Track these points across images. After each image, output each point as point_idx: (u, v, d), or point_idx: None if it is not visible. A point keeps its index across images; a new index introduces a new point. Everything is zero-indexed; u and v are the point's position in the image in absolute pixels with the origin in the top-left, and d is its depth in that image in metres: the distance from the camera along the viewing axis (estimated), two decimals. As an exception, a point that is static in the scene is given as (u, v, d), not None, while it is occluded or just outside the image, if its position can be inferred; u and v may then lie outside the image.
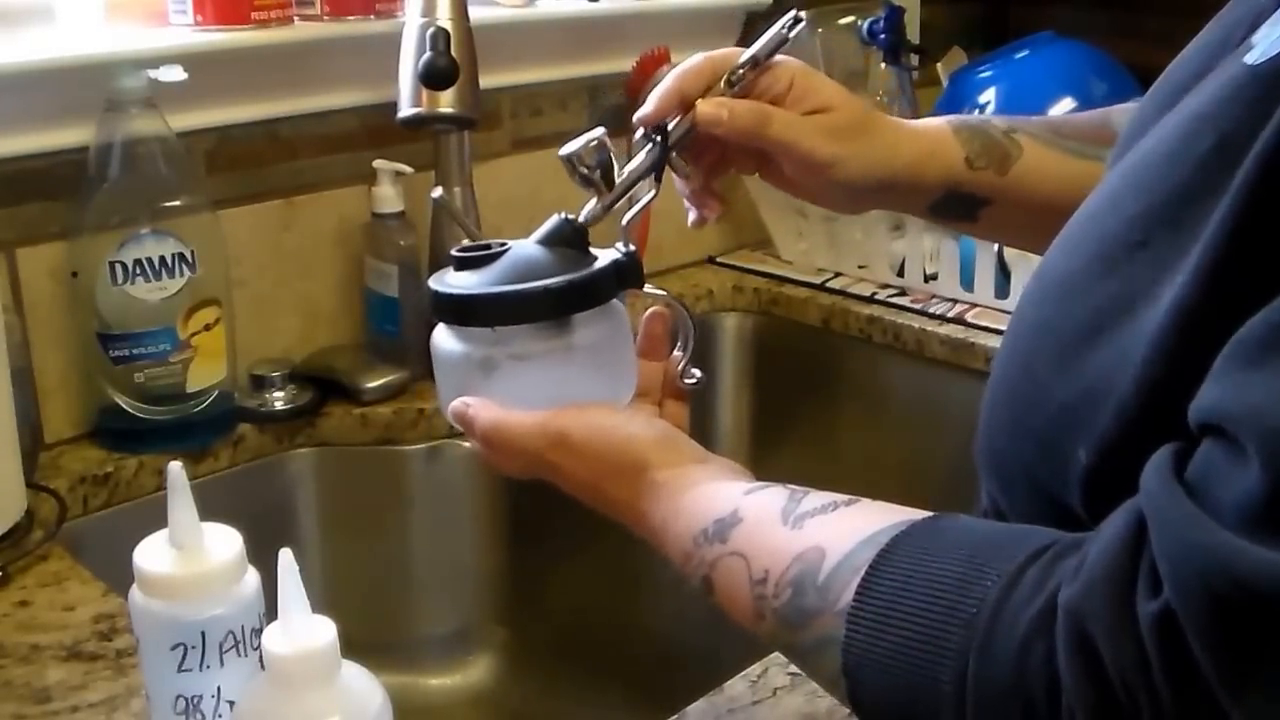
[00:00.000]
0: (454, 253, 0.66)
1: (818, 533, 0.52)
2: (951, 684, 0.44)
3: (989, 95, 1.42)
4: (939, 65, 1.57)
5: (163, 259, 0.97)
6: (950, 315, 1.29)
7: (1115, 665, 0.40)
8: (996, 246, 1.27)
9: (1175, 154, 0.48)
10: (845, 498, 0.55)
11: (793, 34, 0.68)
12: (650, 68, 1.31)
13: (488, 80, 1.10)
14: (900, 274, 1.37)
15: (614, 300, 0.66)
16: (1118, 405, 0.46)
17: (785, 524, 0.53)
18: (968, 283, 1.31)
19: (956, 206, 0.75)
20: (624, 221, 0.68)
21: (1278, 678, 0.38)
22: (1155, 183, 0.49)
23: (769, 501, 0.56)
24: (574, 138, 0.67)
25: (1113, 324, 0.48)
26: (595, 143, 0.67)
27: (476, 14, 1.09)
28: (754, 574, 0.53)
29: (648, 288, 0.67)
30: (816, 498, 0.55)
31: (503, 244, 0.66)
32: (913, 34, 1.54)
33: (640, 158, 0.68)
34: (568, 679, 1.12)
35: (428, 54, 1.04)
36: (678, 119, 0.69)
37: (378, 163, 1.13)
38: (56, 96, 0.97)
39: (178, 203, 0.98)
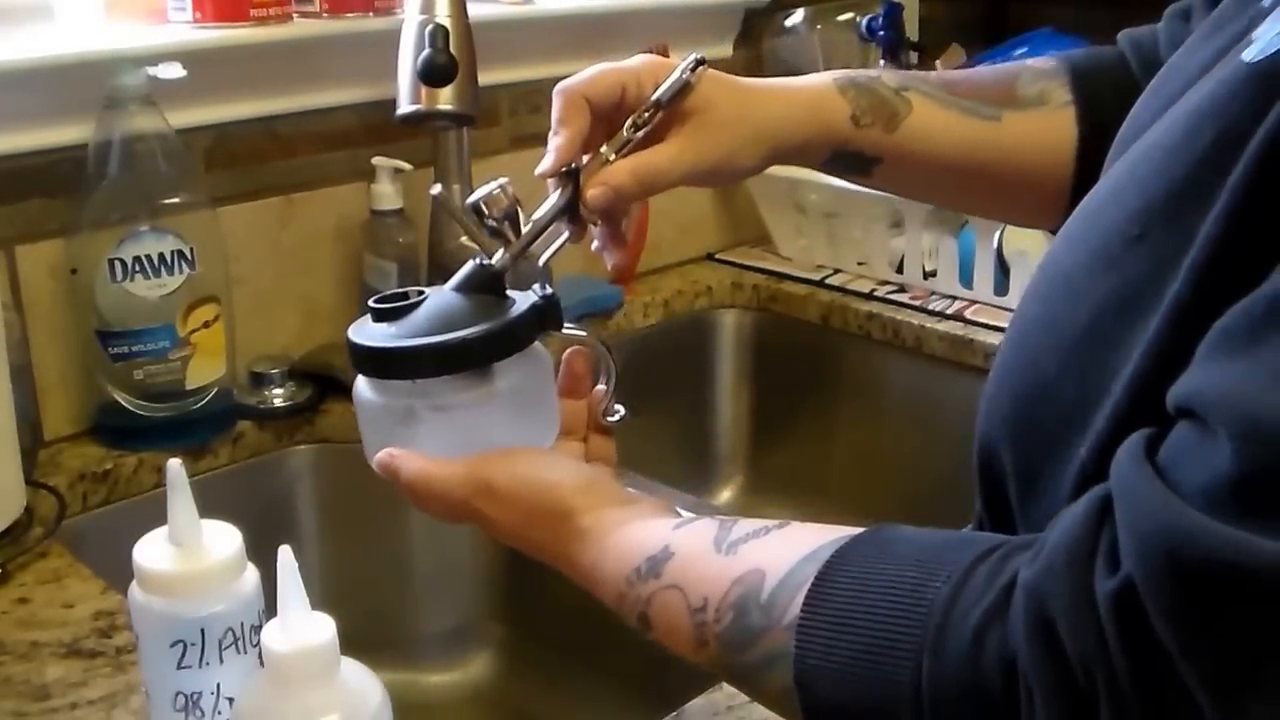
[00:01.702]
0: (371, 303, 0.65)
1: (754, 556, 0.52)
2: (908, 683, 0.44)
3: (988, 92, 1.42)
4: (938, 62, 1.56)
5: (162, 256, 0.97)
6: (949, 312, 1.29)
7: (1073, 644, 0.41)
8: (996, 244, 1.27)
9: (1175, 149, 0.48)
10: (775, 522, 0.55)
11: (694, 77, 0.67)
12: (649, 64, 1.31)
13: (486, 77, 1.10)
14: (899, 271, 1.37)
15: (534, 343, 0.65)
16: (1114, 404, 0.47)
17: (719, 552, 0.53)
18: (967, 280, 1.31)
19: (848, 164, 0.74)
20: (540, 263, 0.67)
21: (1238, 650, 0.38)
22: (1154, 178, 0.49)
23: (700, 532, 0.56)
24: (481, 185, 0.66)
25: (1114, 321, 0.48)
26: (499, 191, 0.65)
27: (475, 11, 1.09)
28: (692, 603, 0.53)
29: (567, 328, 0.66)
30: (747, 524, 0.55)
31: (420, 292, 0.65)
32: (912, 31, 1.54)
33: (548, 204, 0.67)
34: (566, 676, 1.12)
35: (427, 51, 1.04)
36: (585, 160, 0.67)
37: (377, 160, 1.13)
38: (55, 94, 0.97)
39: (177, 200, 0.98)
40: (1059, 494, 0.49)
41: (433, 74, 1.04)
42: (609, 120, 0.69)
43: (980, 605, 0.44)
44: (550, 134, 0.67)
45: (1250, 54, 0.46)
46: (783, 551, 0.51)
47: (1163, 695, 0.39)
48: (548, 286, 0.65)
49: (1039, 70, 0.76)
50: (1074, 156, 0.73)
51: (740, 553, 0.53)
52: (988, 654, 0.43)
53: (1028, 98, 0.75)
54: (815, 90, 0.73)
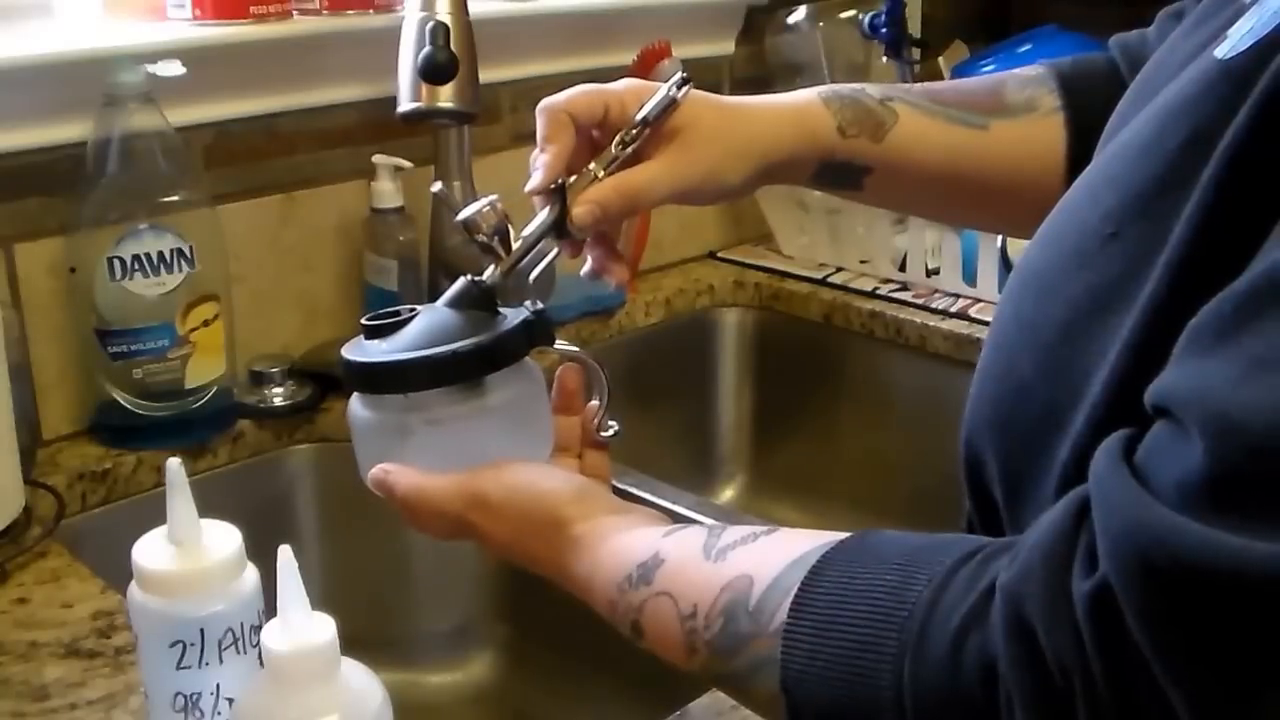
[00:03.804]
0: (363, 322, 0.66)
1: (743, 562, 0.52)
2: (890, 687, 0.45)
3: (991, 89, 1.41)
4: (940, 59, 1.56)
5: (161, 254, 0.96)
6: (953, 310, 1.29)
7: (1050, 646, 0.41)
8: (999, 241, 1.26)
9: (1148, 147, 0.48)
10: (764, 528, 0.55)
11: (681, 94, 0.68)
12: (651, 61, 1.31)
13: (487, 74, 1.10)
14: (902, 269, 1.36)
15: (526, 359, 0.66)
16: (1091, 404, 0.47)
17: (708, 558, 0.54)
18: (970, 277, 1.30)
19: (838, 176, 0.74)
20: (530, 279, 0.67)
21: (1212, 650, 0.38)
22: (1128, 175, 0.49)
23: (689, 540, 0.56)
24: (469, 203, 0.66)
25: (1088, 320, 0.48)
26: (489, 208, 0.66)
27: (476, 8, 1.09)
28: (683, 610, 0.53)
29: (559, 344, 0.67)
30: (736, 531, 0.55)
31: (411, 309, 0.66)
32: (914, 27, 1.54)
33: (537, 220, 0.67)
34: (569, 675, 1.12)
35: (427, 48, 1.04)
36: (573, 178, 0.68)
37: (377, 158, 1.13)
38: (55, 91, 0.96)
39: (176, 198, 0.98)
40: (1043, 495, 0.49)
41: (433, 71, 1.04)
42: (591, 140, 0.69)
43: (960, 609, 0.44)
44: (535, 151, 0.68)
45: (1222, 51, 0.46)
46: (770, 557, 0.51)
47: (1139, 697, 0.39)
48: (539, 302, 0.66)
49: (1026, 78, 0.76)
50: (1064, 163, 0.73)
51: (729, 559, 0.53)
52: (968, 657, 0.43)
53: (1015, 105, 0.75)
54: (799, 104, 0.73)
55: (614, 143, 0.68)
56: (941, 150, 0.74)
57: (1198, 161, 0.44)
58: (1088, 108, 0.73)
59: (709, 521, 0.89)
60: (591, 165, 0.68)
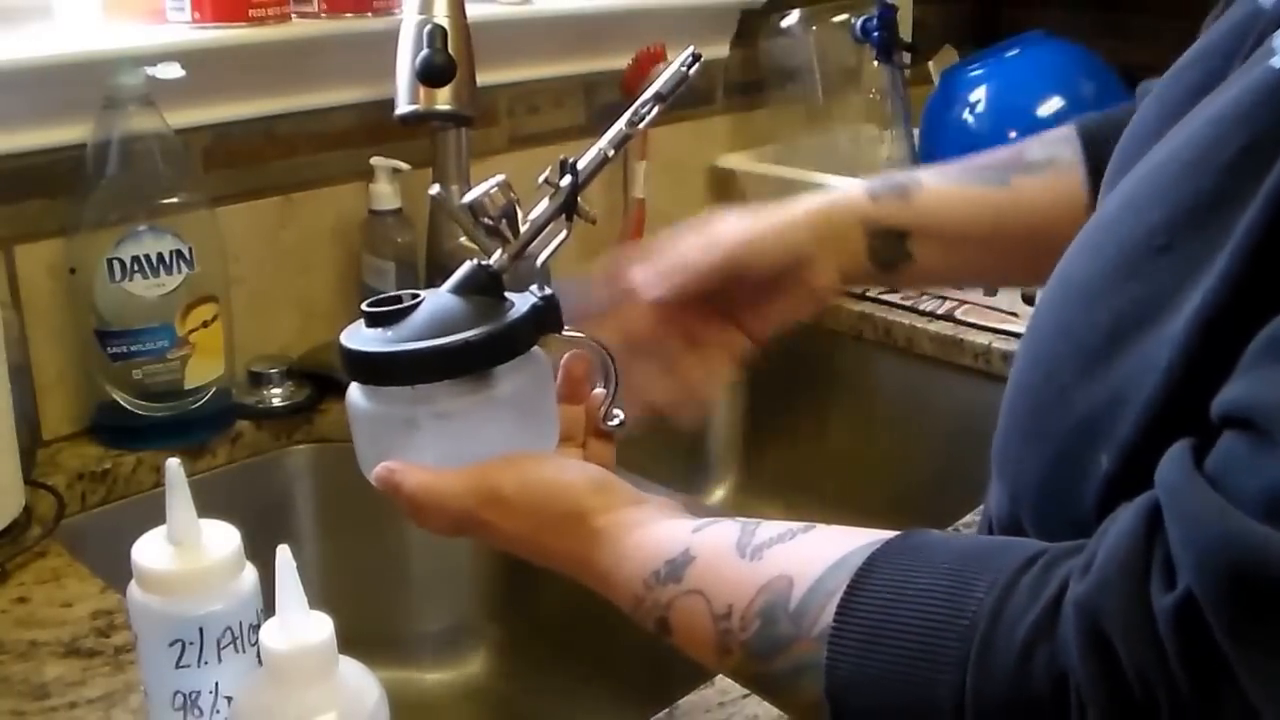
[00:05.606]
0: (364, 307, 0.62)
1: (780, 561, 0.51)
2: (949, 699, 0.43)
3: (979, 93, 1.42)
4: (931, 63, 1.57)
5: (160, 256, 0.97)
6: (940, 312, 1.30)
7: (1131, 661, 0.40)
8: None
9: (1198, 159, 0.47)
10: (801, 525, 0.53)
11: (692, 71, 0.67)
12: (647, 65, 1.32)
13: (485, 77, 1.11)
14: (893, 271, 1.37)
15: (534, 347, 0.64)
16: (1140, 411, 0.46)
17: (743, 557, 0.52)
18: (959, 280, 1.31)
19: (885, 246, 0.76)
20: (538, 264, 0.65)
21: None
22: (1177, 188, 0.48)
23: (722, 536, 0.54)
24: (475, 186, 0.64)
25: (1135, 330, 0.47)
26: (496, 190, 0.63)
27: (474, 11, 1.09)
28: (716, 610, 0.52)
29: (567, 330, 0.65)
30: (771, 528, 0.54)
31: (415, 295, 0.63)
32: (905, 32, 1.55)
33: (545, 203, 0.65)
34: (562, 673, 1.13)
35: (425, 51, 1.04)
36: (586, 159, 0.66)
37: (375, 160, 1.13)
38: (54, 93, 0.97)
39: (175, 200, 0.98)
40: (1079, 502, 0.49)
41: (431, 74, 1.05)
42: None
43: (1027, 619, 0.43)
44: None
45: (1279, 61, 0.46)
46: (810, 558, 0.50)
47: (1227, 710, 0.39)
48: (546, 287, 0.64)
49: (1048, 137, 0.77)
50: (1087, 211, 0.73)
51: (765, 558, 0.52)
52: (1037, 669, 0.42)
53: (1036, 162, 0.76)
54: (830, 189, 0.79)
55: (625, 120, 0.66)
56: (967, 207, 0.75)
57: (1258, 171, 0.43)
58: (1108, 157, 0.74)
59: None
60: (602, 142, 0.66)
